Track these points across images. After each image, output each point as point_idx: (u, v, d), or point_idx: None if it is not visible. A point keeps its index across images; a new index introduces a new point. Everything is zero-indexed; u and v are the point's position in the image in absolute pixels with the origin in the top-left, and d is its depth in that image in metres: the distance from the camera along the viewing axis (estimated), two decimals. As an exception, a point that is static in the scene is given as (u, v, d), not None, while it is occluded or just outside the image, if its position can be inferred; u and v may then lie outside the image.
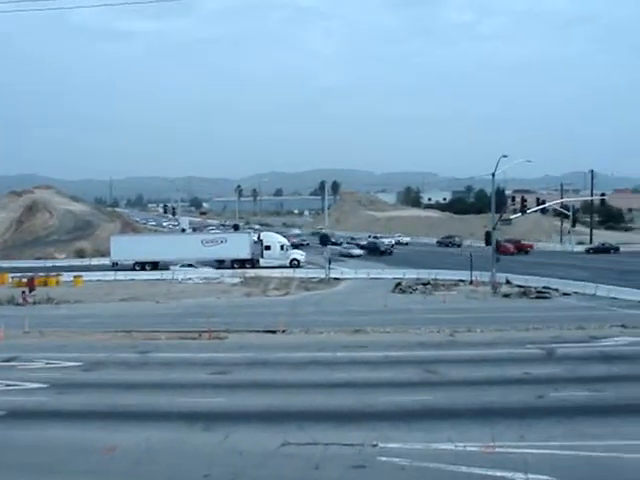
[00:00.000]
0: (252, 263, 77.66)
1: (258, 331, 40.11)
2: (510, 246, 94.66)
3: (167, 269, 73.77)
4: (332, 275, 68.21)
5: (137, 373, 30.25)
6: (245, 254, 77.80)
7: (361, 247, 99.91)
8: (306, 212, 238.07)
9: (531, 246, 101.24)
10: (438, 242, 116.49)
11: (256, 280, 66.48)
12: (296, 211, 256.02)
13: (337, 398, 25.43)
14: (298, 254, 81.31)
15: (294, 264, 77.68)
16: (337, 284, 65.65)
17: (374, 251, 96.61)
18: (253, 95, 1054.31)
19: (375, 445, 20.18)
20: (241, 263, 76.73)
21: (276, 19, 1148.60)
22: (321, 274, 68.30)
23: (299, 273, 71.64)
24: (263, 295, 58.22)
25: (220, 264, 77.89)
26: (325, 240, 78.99)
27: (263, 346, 35.77)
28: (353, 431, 21.47)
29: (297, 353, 33.78)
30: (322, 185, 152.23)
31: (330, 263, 69.02)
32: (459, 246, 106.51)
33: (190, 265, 75.23)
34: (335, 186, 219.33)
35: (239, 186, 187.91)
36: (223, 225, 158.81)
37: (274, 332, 39.67)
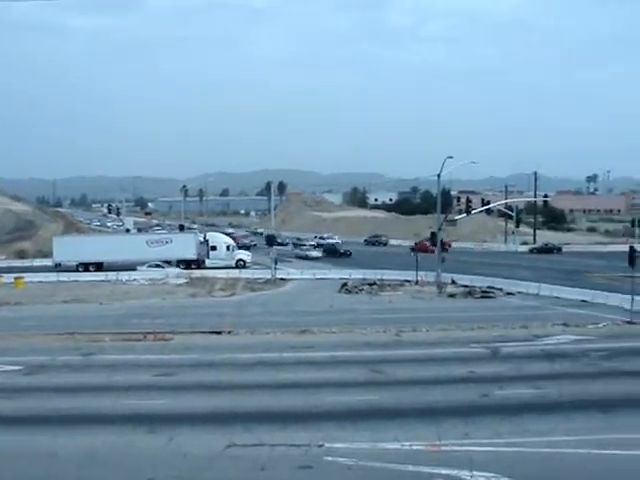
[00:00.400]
0: (198, 264, 77.01)
1: (204, 332, 39.77)
2: (428, 244, 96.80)
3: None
4: (278, 276, 68.01)
5: (80, 376, 29.67)
6: (191, 254, 77.13)
7: (317, 248, 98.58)
8: (252, 213, 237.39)
9: (449, 244, 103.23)
10: (365, 241, 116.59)
11: (202, 281, 65.95)
12: (242, 211, 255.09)
13: (283, 399, 25.37)
14: (244, 254, 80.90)
15: (240, 265, 77.23)
16: (283, 285, 65.47)
17: (333, 253, 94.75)
18: (202, 96, 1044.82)
19: (321, 445, 20.14)
20: (187, 264, 76.03)
21: (228, 19, 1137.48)
22: (267, 275, 68.05)
23: (245, 274, 71.28)
24: (209, 296, 57.77)
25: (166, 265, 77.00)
26: (271, 241, 78.81)
27: (209, 347, 35.48)
28: (299, 432, 21.42)
29: (243, 354, 33.56)
30: (268, 186, 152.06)
31: (276, 264, 68.83)
32: (385, 245, 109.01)
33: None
34: (281, 187, 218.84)
35: (185, 186, 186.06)
36: (157, 225, 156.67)
37: (220, 333, 39.39)
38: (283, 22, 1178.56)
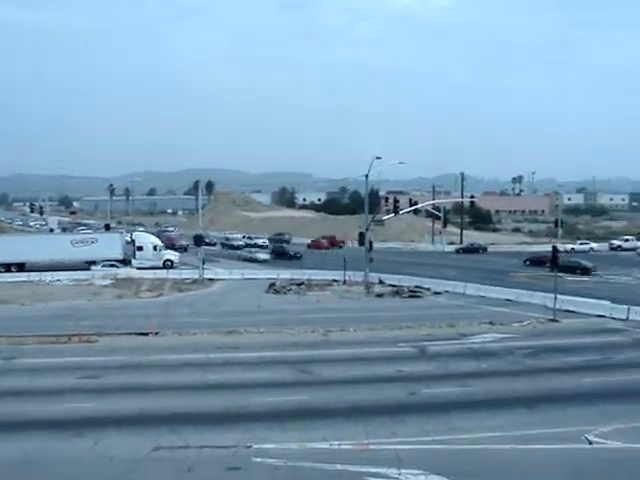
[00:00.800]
0: (124, 264, 75.73)
1: (130, 334, 39.08)
2: (324, 242, 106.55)
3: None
4: (206, 276, 67.44)
5: (2, 380, 28.78)
6: (117, 255, 75.81)
7: (264, 249, 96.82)
8: (180, 212, 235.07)
9: (344, 242, 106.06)
10: (269, 239, 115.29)
11: (128, 282, 64.86)
12: (170, 211, 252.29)
13: (211, 400, 25.14)
14: (171, 255, 79.85)
15: (167, 265, 76.25)
16: (211, 285, 64.94)
17: (282, 255, 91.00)
18: (129, 92, 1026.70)
19: (249, 446, 20.04)
20: (112, 264, 74.64)
21: (157, 15, 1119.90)
22: (195, 275, 67.42)
23: (172, 274, 70.38)
24: (135, 297, 56.83)
25: (91, 265, 75.48)
26: (199, 241, 77.95)
27: (135, 349, 34.91)
28: (227, 433, 21.26)
29: (170, 355, 33.13)
30: (196, 185, 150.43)
31: (204, 263, 68.23)
32: (288, 242, 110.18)
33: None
34: (210, 186, 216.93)
35: (111, 185, 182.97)
36: (83, 226, 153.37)
37: (146, 334, 38.78)
38: (213, 18, 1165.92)
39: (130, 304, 52.50)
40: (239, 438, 20.64)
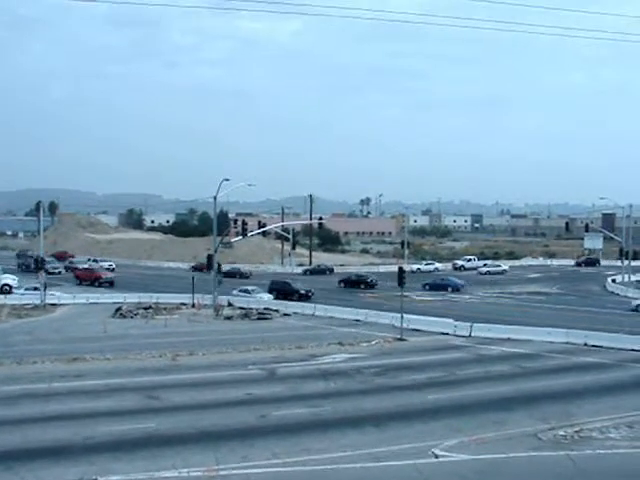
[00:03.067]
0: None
1: (-38, 364, 36.75)
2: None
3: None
4: (48, 301, 64.62)
5: None
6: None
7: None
8: (21, 234, 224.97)
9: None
10: (52, 255, 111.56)
11: (-40, 308, 61.23)
12: (9, 233, 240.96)
13: (52, 432, 23.86)
14: (10, 279, 76.10)
15: (5, 290, 72.58)
16: (54, 310, 62.26)
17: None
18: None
19: (95, 479, 19.14)
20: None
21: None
22: (36, 300, 64.47)
23: (11, 299, 66.99)
24: (-31, 325, 53.70)
25: None
26: (40, 264, 74.73)
27: (-32, 380, 32.81)
28: (70, 467, 20.24)
29: (7, 386, 31.23)
30: (38, 205, 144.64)
31: (46, 288, 65.40)
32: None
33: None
34: (53, 207, 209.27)
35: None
36: None
37: (-19, 364, 36.58)
38: (52, 32, 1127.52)
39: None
40: (83, 471, 19.67)
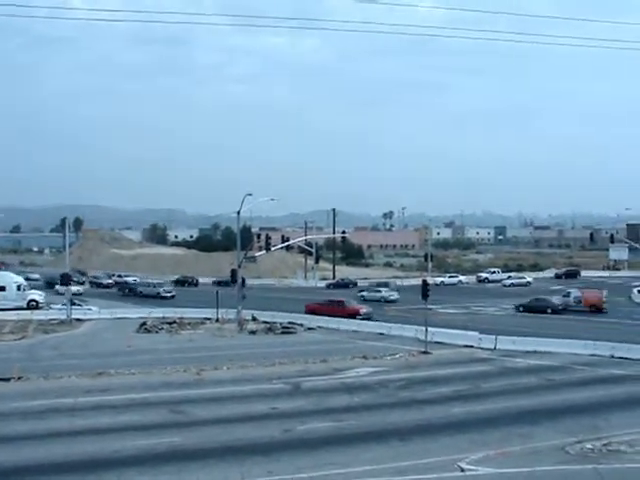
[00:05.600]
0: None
1: (-11, 379, 37.01)
2: None
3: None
4: (75, 316, 65.09)
5: None
6: (-25, 296, 72.12)
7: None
8: (47, 250, 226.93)
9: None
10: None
11: (-12, 324, 61.81)
12: (36, 249, 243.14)
13: (79, 447, 23.99)
14: (37, 295, 76.73)
15: (32, 305, 73.20)
16: (80, 325, 62.70)
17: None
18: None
19: (120, 494, 19.23)
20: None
21: (18, 45, 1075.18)
22: (62, 315, 64.97)
23: (38, 315, 67.56)
24: (-4, 340, 54.19)
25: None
26: (66, 280, 75.25)
27: (-5, 395, 33.05)
28: (96, 481, 20.34)
29: (34, 401, 31.47)
30: (63, 222, 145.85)
31: (72, 303, 65.89)
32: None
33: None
34: (78, 223, 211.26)
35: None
36: None
37: (8, 380, 36.81)
38: (76, 53, 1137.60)
39: (-10, 348, 49.92)
40: (109, 486, 19.80)
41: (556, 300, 69.08)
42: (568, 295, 70.50)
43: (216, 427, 26.53)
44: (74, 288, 78.85)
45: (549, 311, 66.50)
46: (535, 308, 67.68)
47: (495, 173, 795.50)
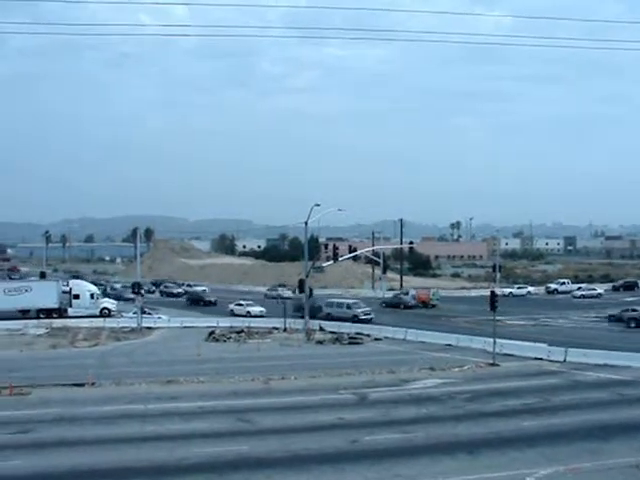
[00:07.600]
0: (60, 313, 74.02)
1: (64, 385, 37.95)
2: None
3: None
4: (145, 324, 66.33)
5: None
6: (52, 303, 74.16)
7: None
8: (118, 259, 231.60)
9: None
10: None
11: (63, 331, 63.39)
12: (108, 258, 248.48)
13: (148, 452, 24.41)
14: (109, 303, 78.48)
15: (105, 313, 74.86)
16: (150, 333, 63.87)
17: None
18: (69, 136, 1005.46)
19: (188, 500, 19.48)
20: (48, 313, 72.92)
21: (95, 62, 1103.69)
22: (133, 323, 66.26)
23: (110, 323, 69.06)
24: (71, 346, 55.49)
25: (25, 314, 73.53)
26: (137, 289, 76.65)
27: (70, 401, 33.84)
28: (166, 487, 20.65)
29: (106, 407, 32.22)
30: (134, 232, 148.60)
31: (143, 312, 67.15)
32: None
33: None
34: (148, 233, 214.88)
35: (47, 231, 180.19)
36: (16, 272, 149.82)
37: (82, 385, 37.74)
38: (150, 67, 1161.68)
39: (65, 354, 51.21)
40: (178, 491, 20.08)
41: None
42: None
43: (283, 436, 26.62)
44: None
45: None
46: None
47: (564, 184, 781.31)
